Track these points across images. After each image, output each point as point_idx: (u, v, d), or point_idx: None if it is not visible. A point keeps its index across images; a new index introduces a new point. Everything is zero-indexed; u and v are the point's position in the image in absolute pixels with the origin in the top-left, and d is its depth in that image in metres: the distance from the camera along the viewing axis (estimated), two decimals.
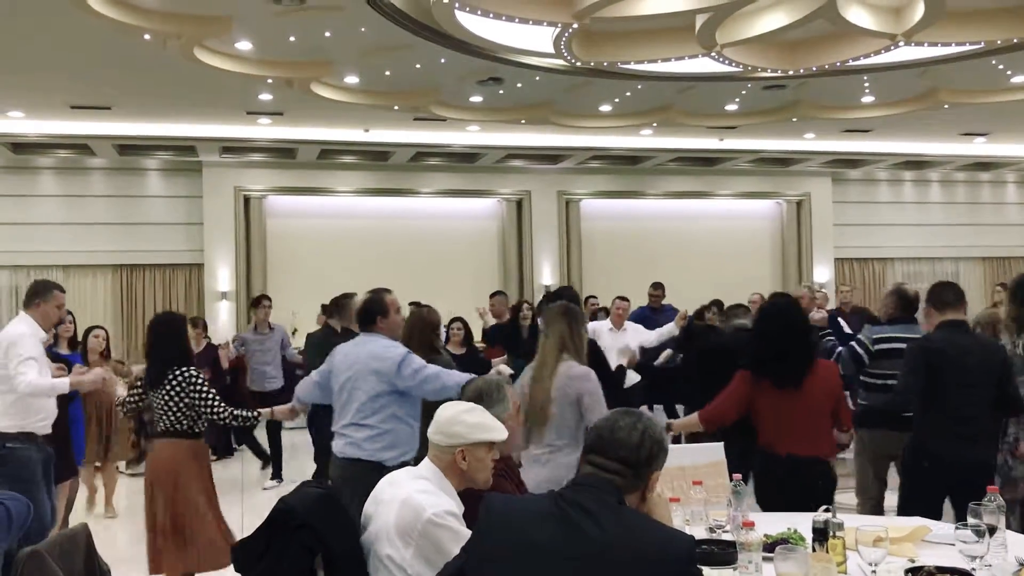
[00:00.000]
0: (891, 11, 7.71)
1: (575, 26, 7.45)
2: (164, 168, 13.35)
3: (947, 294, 4.57)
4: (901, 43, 7.96)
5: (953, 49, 8.45)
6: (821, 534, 2.89)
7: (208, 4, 7.29)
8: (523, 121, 11.17)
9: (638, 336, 8.55)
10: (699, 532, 3.10)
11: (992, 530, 2.84)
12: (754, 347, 4.32)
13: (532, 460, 4.14)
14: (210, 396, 4.77)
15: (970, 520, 2.88)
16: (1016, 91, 10.32)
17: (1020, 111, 11.19)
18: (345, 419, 4.41)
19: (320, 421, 6.87)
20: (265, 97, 10.04)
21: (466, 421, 2.74)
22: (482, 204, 14.60)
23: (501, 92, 10.03)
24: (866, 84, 10.06)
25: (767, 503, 4.03)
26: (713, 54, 8.23)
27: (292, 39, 8.11)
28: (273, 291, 13.07)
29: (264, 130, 11.73)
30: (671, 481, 3.56)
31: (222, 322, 12.98)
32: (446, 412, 2.79)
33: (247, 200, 13.36)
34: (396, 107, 10.25)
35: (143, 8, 7.32)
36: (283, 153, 12.87)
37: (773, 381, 4.16)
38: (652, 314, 9.85)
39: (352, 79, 9.50)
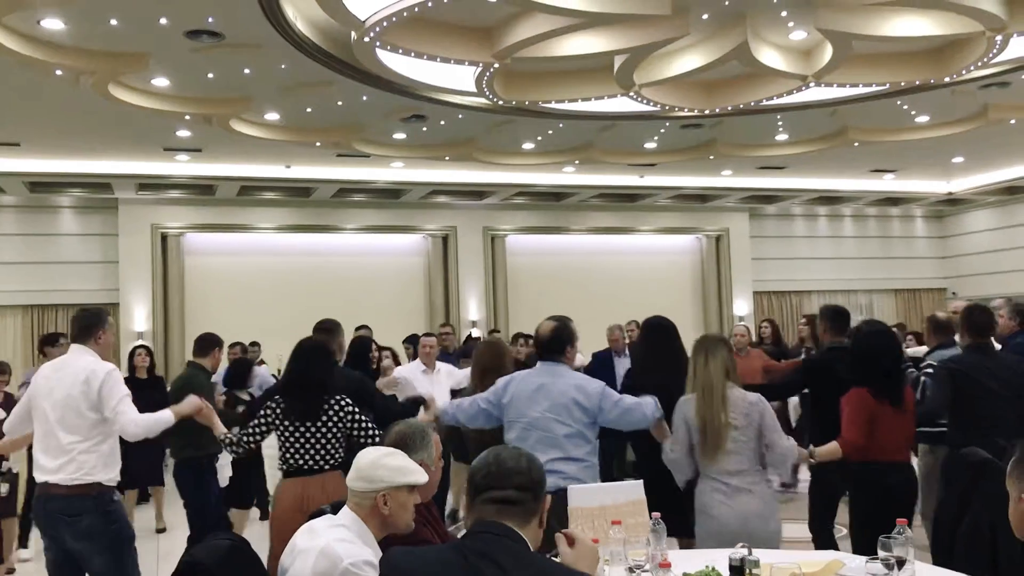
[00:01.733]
0: (801, 53, 7.98)
1: (496, 66, 7.53)
2: (78, 205, 13.00)
3: (980, 319, 5.09)
4: (811, 84, 8.25)
5: (860, 90, 8.78)
6: (738, 572, 2.92)
7: (123, 41, 7.16)
8: (447, 158, 11.20)
9: (452, 377, 7.22)
10: (618, 572, 3.09)
11: (901, 563, 2.90)
12: (874, 370, 4.48)
13: (733, 490, 4.02)
14: (370, 425, 4.47)
15: (880, 553, 2.93)
16: (920, 130, 10.75)
17: (925, 149, 11.65)
18: (550, 454, 4.09)
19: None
20: (183, 133, 9.88)
21: (388, 465, 2.69)
22: (407, 240, 14.55)
23: (424, 129, 10.05)
24: (779, 123, 10.36)
25: (876, 514, 4.21)
26: (632, 94, 8.40)
27: (211, 76, 8.00)
28: (192, 330, 12.73)
29: (182, 167, 11.52)
30: (591, 520, 3.55)
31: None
32: (367, 457, 2.74)
33: (164, 237, 13.07)
34: (318, 143, 10.19)
35: (55, 44, 7.15)
36: (202, 190, 12.65)
37: (891, 400, 4.44)
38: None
39: (272, 116, 9.41)
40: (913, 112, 10.02)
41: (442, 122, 9.74)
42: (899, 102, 9.48)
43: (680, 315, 12.77)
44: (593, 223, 15.13)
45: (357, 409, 4.47)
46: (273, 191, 12.97)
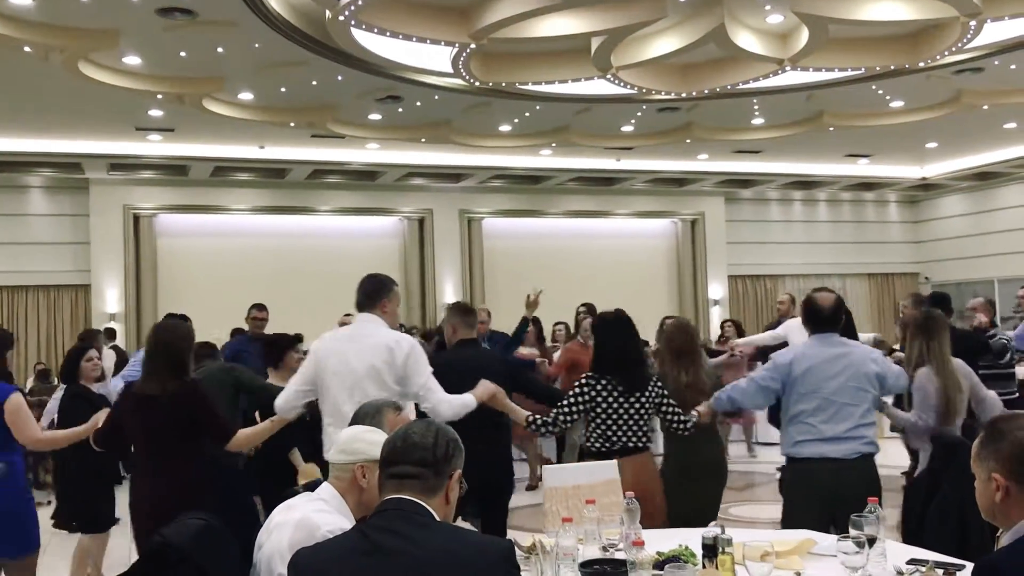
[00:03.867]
0: (778, 37, 8.00)
1: (473, 46, 7.49)
2: (48, 185, 12.81)
3: None
4: (788, 68, 8.27)
5: (836, 74, 8.82)
6: (711, 550, 2.92)
7: (93, 17, 7.04)
8: (423, 139, 11.14)
9: None
10: (592, 551, 3.10)
11: (872, 541, 2.93)
12: None
13: None
14: (677, 406, 4.45)
15: (851, 531, 2.96)
16: (895, 115, 10.82)
17: (899, 134, 11.73)
18: (852, 421, 4.25)
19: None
20: (155, 113, 9.75)
21: (367, 439, 2.76)
22: (383, 222, 14.48)
23: (400, 110, 9.98)
24: (756, 107, 10.39)
25: None
26: (609, 76, 8.39)
27: (183, 54, 7.90)
28: (164, 312, 12.61)
29: (154, 146, 11.38)
30: (565, 500, 3.56)
31: (111, 345, 12.51)
32: (347, 432, 2.83)
33: (137, 218, 12.92)
34: (292, 124, 10.10)
35: (23, 20, 7.03)
36: (174, 170, 12.50)
37: None
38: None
39: (246, 95, 9.31)
40: (888, 97, 10.08)
41: (418, 103, 9.68)
42: (874, 87, 9.53)
43: (655, 299, 12.92)
44: (569, 206, 15.13)
45: (666, 390, 4.44)
46: (247, 172, 12.85)
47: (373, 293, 4.12)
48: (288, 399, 4.09)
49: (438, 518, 2.25)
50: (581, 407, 4.29)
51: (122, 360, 9.09)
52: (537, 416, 4.35)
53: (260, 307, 8.03)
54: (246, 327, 8.25)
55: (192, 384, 4.03)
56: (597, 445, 4.28)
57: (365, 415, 3.15)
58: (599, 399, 4.27)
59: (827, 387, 4.24)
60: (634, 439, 4.28)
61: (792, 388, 4.30)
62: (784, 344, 7.82)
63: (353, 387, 3.92)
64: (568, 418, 4.30)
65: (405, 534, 2.14)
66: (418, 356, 3.99)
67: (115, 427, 4.07)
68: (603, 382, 4.29)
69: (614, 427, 4.27)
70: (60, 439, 4.61)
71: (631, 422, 4.28)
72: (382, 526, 2.18)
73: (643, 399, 4.30)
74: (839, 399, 4.23)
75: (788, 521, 4.17)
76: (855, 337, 5.50)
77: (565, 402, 4.32)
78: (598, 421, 4.27)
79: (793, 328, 7.84)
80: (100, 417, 4.24)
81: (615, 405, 4.26)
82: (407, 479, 2.25)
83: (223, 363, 5.84)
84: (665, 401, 4.43)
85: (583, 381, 4.32)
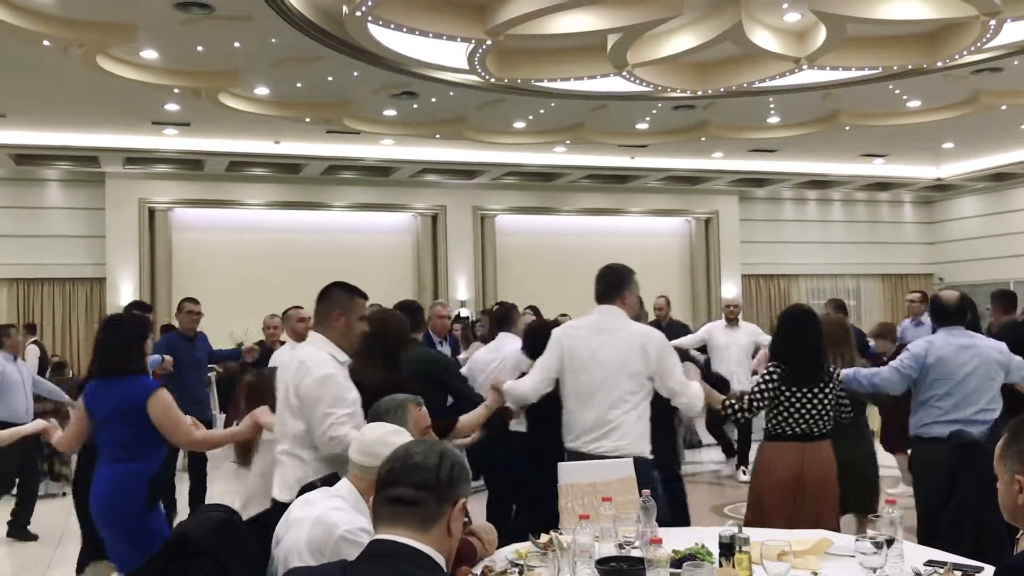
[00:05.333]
0: (795, 35, 7.96)
1: (489, 43, 7.48)
2: (64, 179, 12.89)
3: None
4: (804, 66, 8.24)
5: (853, 73, 8.77)
6: (727, 549, 2.91)
7: (111, 11, 7.07)
8: (438, 136, 11.15)
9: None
10: (608, 548, 3.10)
11: (890, 542, 2.91)
12: None
13: None
14: (848, 403, 4.57)
15: (869, 532, 2.95)
16: (912, 115, 10.76)
17: (916, 134, 11.66)
18: (978, 405, 4.56)
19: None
20: (171, 107, 9.79)
21: (392, 443, 2.63)
22: (396, 218, 14.49)
23: (415, 106, 9.99)
24: (772, 106, 10.34)
25: None
26: (624, 73, 8.37)
27: (200, 48, 7.93)
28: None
29: (170, 141, 11.43)
30: (581, 497, 3.55)
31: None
32: (372, 433, 2.77)
33: (152, 212, 12.98)
34: (308, 119, 10.12)
35: (42, 13, 7.06)
36: (190, 164, 12.55)
37: None
38: None
39: (262, 90, 9.33)
40: (905, 97, 10.02)
41: (433, 99, 9.68)
42: (891, 86, 9.47)
43: (670, 298, 12.80)
44: (583, 204, 15.11)
45: (842, 388, 4.53)
46: (262, 167, 12.89)
47: (615, 284, 4.08)
48: (536, 387, 4.08)
49: (438, 557, 2.03)
50: (769, 394, 4.39)
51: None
52: (733, 401, 4.47)
53: (193, 300, 7.39)
54: (176, 323, 7.78)
55: (401, 379, 3.93)
56: (770, 428, 4.44)
57: (387, 411, 3.12)
58: (783, 387, 4.38)
59: (958, 375, 4.57)
60: (810, 428, 4.37)
61: (925, 376, 4.63)
62: (704, 347, 8.67)
63: (604, 379, 3.90)
64: (760, 404, 4.42)
65: None
66: (670, 351, 4.02)
67: None
68: (780, 371, 4.41)
69: (788, 413, 4.38)
70: (220, 439, 4.15)
71: (804, 411, 4.37)
72: (369, 572, 1.97)
73: (819, 392, 4.40)
74: (969, 385, 4.56)
75: (919, 497, 4.57)
76: (979, 331, 5.65)
77: (756, 389, 4.45)
78: (779, 408, 4.40)
79: (714, 330, 8.88)
80: (259, 414, 3.83)
81: (792, 398, 4.37)
82: (403, 505, 2.03)
83: (428, 352, 5.37)
84: (841, 399, 4.55)
85: (770, 369, 4.46)
